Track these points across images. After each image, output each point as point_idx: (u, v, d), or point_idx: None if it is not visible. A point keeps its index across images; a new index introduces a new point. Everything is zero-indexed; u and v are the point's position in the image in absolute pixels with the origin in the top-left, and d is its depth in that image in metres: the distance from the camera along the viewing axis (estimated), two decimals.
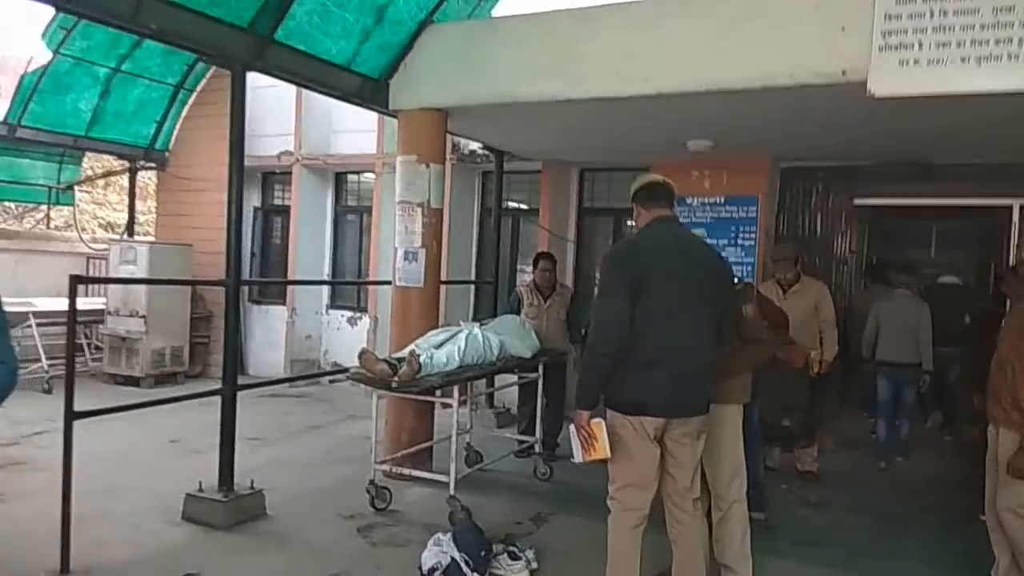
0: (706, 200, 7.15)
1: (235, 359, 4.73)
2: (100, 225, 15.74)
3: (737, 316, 3.58)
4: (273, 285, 10.47)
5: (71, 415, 3.78)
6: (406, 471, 4.92)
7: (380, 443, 5.01)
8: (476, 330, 5.15)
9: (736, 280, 3.65)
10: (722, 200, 7.08)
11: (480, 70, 5.23)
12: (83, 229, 15.31)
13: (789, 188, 7.25)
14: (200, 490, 4.63)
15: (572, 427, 3.29)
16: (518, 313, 6.26)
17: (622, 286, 3.13)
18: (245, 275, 10.08)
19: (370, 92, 5.54)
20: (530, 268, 8.79)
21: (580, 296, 6.82)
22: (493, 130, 6.50)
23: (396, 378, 4.49)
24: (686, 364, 3.17)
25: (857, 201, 7.11)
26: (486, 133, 6.71)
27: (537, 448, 5.84)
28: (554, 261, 6.47)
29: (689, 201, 7.22)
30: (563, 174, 8.27)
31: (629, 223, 8.26)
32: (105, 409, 4.19)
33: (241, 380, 9.06)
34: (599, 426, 3.20)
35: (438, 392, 4.66)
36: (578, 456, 3.27)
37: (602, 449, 3.20)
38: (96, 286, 10.17)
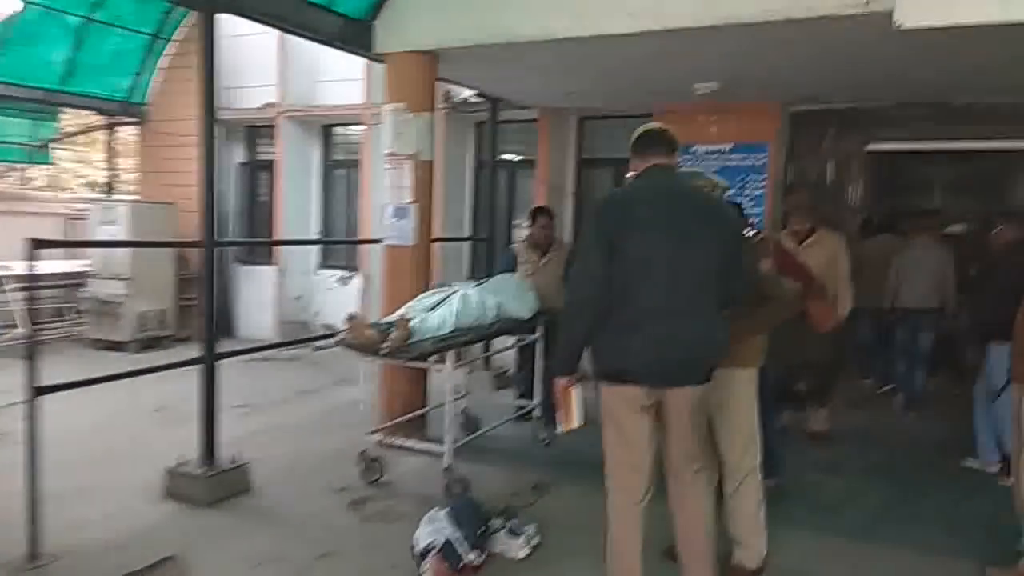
0: (713, 148, 6.78)
1: (212, 326, 4.42)
2: (83, 184, 15.28)
3: (752, 271, 3.27)
4: (261, 245, 10.12)
5: (35, 390, 3.47)
6: (399, 442, 4.64)
7: (371, 411, 4.73)
8: (471, 291, 4.83)
9: (751, 232, 3.30)
10: (729, 148, 6.71)
11: (475, 7, 4.83)
12: (65, 188, 14.92)
13: (799, 134, 6.87)
14: (181, 465, 4.36)
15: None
16: (514, 271, 5.95)
17: (597, 240, 2.85)
18: (229, 234, 9.74)
19: (353, 34, 5.12)
20: (526, 223, 8.49)
21: None
22: (488, 75, 6.09)
23: (386, 345, 4.19)
24: (674, 326, 2.85)
25: (871, 147, 6.75)
26: (480, 78, 6.30)
27: (537, 412, 5.58)
28: (552, 215, 6.12)
29: (695, 149, 6.84)
30: (561, 123, 7.86)
31: (628, 176, 7.93)
32: (71, 383, 3.88)
33: (229, 343, 8.78)
34: (569, 393, 3.00)
35: (432, 358, 4.36)
36: (560, 425, 3.09)
37: (575, 417, 3.02)
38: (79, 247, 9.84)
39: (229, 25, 9.32)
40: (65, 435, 5.35)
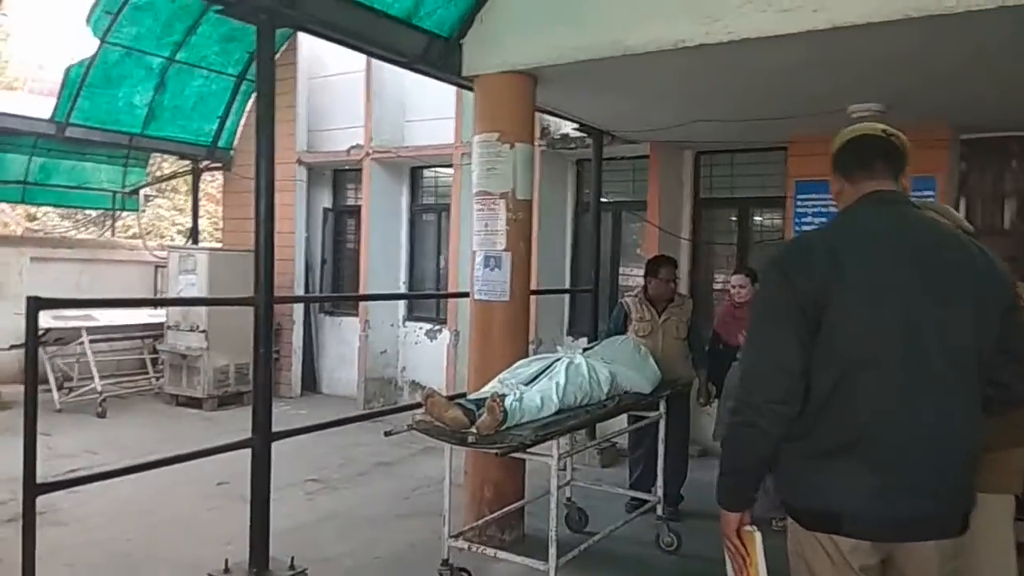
0: None
1: (268, 400, 3.64)
2: (179, 232, 15.29)
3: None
4: (325, 301, 9.53)
5: (32, 489, 2.74)
6: (491, 552, 3.71)
7: (454, 508, 3.83)
8: (579, 358, 3.90)
9: (1014, 295, 2.19)
10: None
11: (580, 15, 3.99)
12: (161, 236, 14.94)
13: (973, 167, 5.69)
14: (226, 570, 3.56)
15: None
16: (624, 331, 4.99)
17: (788, 313, 1.85)
18: (315, 284, 9.20)
19: (438, 55, 4.37)
20: (633, 272, 7.53)
21: (700, 307, 5.48)
22: (593, 101, 5.22)
23: (474, 430, 3.30)
24: (920, 445, 1.80)
25: None
26: (583, 106, 5.44)
27: (659, 509, 4.53)
28: (676, 266, 5.16)
29: None
30: (675, 158, 6.91)
31: (758, 218, 6.87)
32: (71, 480, 3.14)
33: (313, 400, 8.09)
34: (752, 539, 1.97)
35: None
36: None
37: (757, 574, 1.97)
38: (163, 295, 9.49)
39: (316, 65, 9.02)
40: (107, 515, 4.73)
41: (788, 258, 1.94)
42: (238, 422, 7.14)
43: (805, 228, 5.94)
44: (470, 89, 4.64)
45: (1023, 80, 4.27)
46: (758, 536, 1.96)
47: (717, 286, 6.98)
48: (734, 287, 5.08)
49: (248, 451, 3.56)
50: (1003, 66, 4.04)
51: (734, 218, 6.96)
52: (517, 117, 4.37)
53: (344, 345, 8.95)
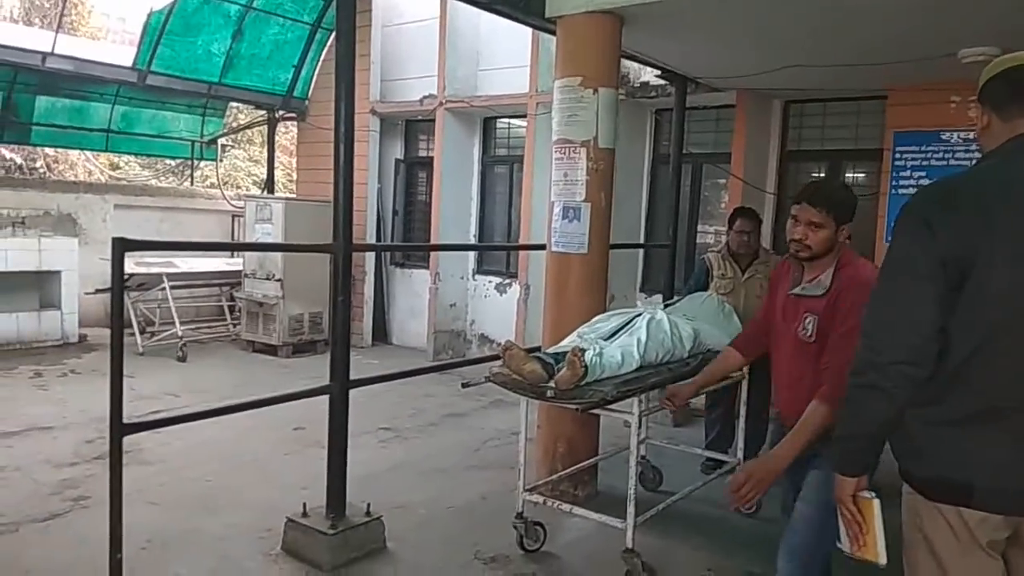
0: (971, 135, 5.26)
1: (346, 348, 3.61)
2: (255, 182, 15.57)
3: None
4: (404, 250, 9.53)
5: (119, 429, 2.78)
6: (566, 507, 3.64)
7: (527, 463, 3.78)
8: (660, 314, 3.76)
9: None
10: None
11: None
12: (237, 186, 15.24)
13: None
14: (304, 514, 3.60)
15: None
16: (705, 287, 4.81)
17: (926, 267, 1.66)
18: (387, 235, 9.21)
19: None
20: (713, 229, 7.27)
21: None
22: (679, 45, 4.96)
23: (553, 384, 3.21)
24: None
25: None
26: (669, 50, 5.18)
27: (738, 471, 4.38)
28: (758, 220, 4.90)
29: (946, 136, 5.36)
30: (762, 108, 6.57)
31: (850, 174, 6.50)
32: (156, 422, 3.18)
33: (383, 350, 8.19)
34: (869, 507, 1.85)
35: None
36: (844, 543, 1.92)
37: (873, 546, 1.86)
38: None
39: (390, 13, 8.89)
40: (189, 456, 4.86)
41: (929, 205, 1.72)
42: (312, 369, 7.26)
43: (903, 183, 5.59)
44: (552, 32, 4.45)
45: None
46: (876, 503, 1.84)
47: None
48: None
49: (323, 398, 3.57)
50: None
51: (822, 172, 6.61)
52: (601, 61, 4.17)
53: (414, 297, 8.98)
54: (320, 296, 8.46)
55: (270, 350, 8.29)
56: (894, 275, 1.74)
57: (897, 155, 5.60)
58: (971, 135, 5.26)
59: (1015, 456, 1.66)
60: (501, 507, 4.05)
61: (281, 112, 9.42)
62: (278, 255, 8.15)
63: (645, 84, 6.72)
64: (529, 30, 6.86)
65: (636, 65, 6.16)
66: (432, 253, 8.55)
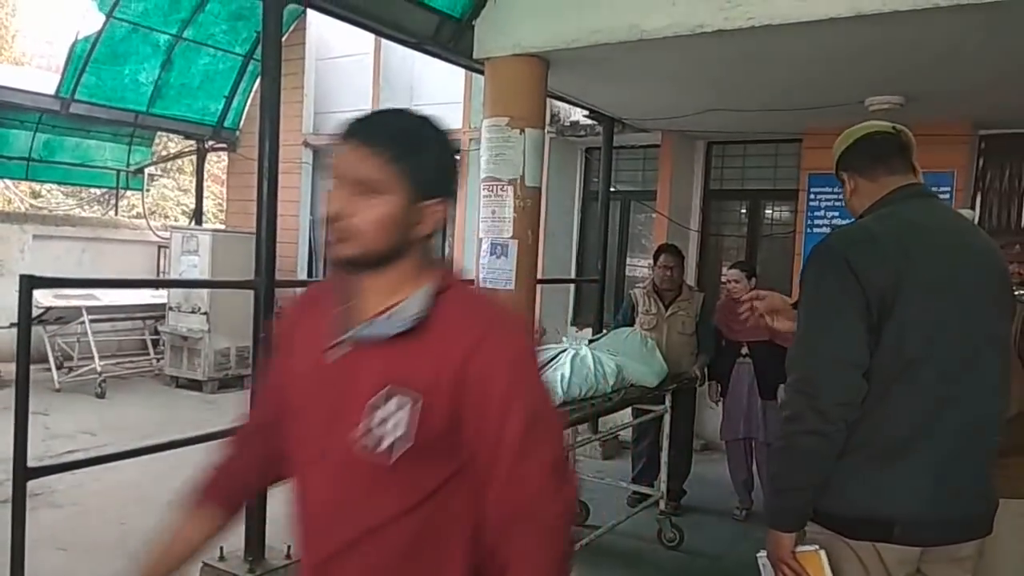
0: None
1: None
2: (183, 212, 15.23)
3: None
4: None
5: (23, 473, 2.67)
6: None
7: None
8: (584, 350, 3.82)
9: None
10: None
11: None
12: (165, 216, 14.88)
13: (991, 164, 5.57)
14: (221, 558, 3.50)
15: (762, 559, 1.87)
16: (631, 323, 4.92)
17: (853, 307, 1.70)
18: (320, 270, 9.11)
19: (449, 36, 4.27)
20: (642, 264, 7.43)
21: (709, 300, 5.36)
22: (605, 87, 5.12)
23: None
24: (968, 445, 1.73)
25: None
26: (595, 92, 5.34)
27: (661, 504, 4.47)
28: (681, 256, 5.05)
29: None
30: (686, 148, 6.80)
31: (769, 212, 6.75)
32: (64, 465, 3.07)
33: None
34: (814, 560, 1.74)
35: None
36: None
37: None
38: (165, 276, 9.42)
39: (324, 47, 8.91)
40: (105, 498, 4.66)
41: (852, 248, 1.76)
42: (239, 405, 7.05)
43: (817, 222, 5.84)
44: (480, 72, 4.54)
45: None
46: (823, 554, 1.74)
47: (725, 279, 6.89)
48: (728, 281, 4.94)
49: None
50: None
51: (744, 210, 6.86)
52: (528, 102, 4.27)
53: None
54: (248, 330, 8.25)
55: (195, 385, 8.05)
56: (822, 316, 1.76)
57: (812, 196, 5.86)
58: None
59: (930, 487, 1.71)
60: None
61: (211, 142, 9.27)
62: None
63: (575, 123, 6.87)
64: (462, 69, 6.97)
65: (566, 104, 6.31)
66: None
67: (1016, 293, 2.01)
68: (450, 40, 4.30)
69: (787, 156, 6.40)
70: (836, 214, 5.73)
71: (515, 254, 4.25)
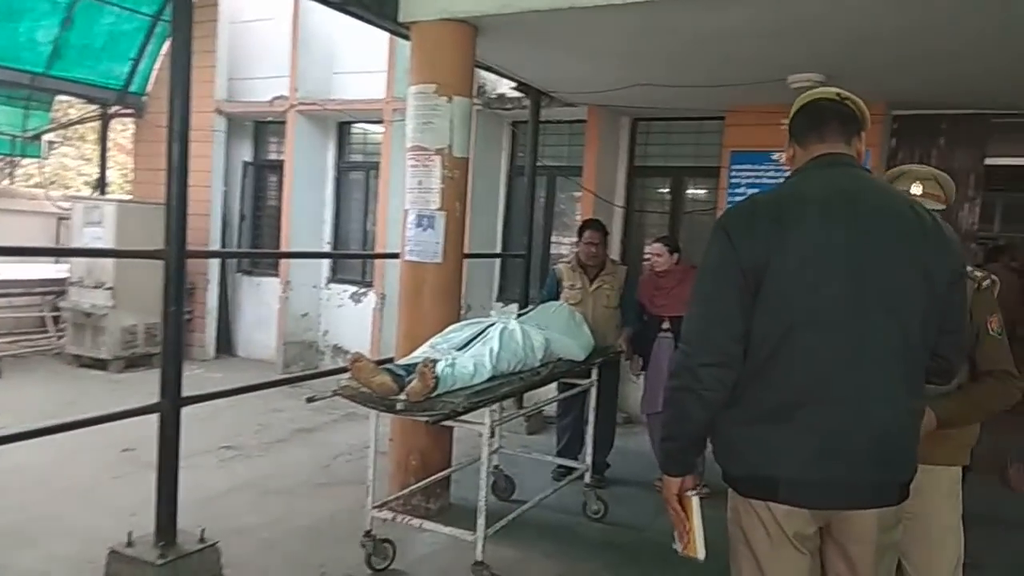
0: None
1: (178, 361, 3.37)
2: (86, 183, 14.39)
3: (976, 330, 2.19)
4: (249, 257, 9.13)
5: None
6: (416, 522, 3.56)
7: (378, 477, 3.66)
8: (513, 324, 3.77)
9: (967, 269, 2.10)
10: None
11: None
12: (66, 187, 14.03)
13: (904, 143, 5.77)
14: (129, 543, 3.31)
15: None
16: (556, 297, 4.89)
17: (727, 275, 1.81)
18: (234, 242, 8.76)
19: None
20: (567, 240, 7.42)
21: (632, 275, 5.39)
22: (534, 58, 5.03)
23: (403, 396, 3.13)
24: (854, 411, 1.75)
25: (989, 160, 5.64)
26: (524, 63, 5.25)
27: (586, 477, 4.48)
28: (605, 232, 5.05)
29: (776, 156, 5.75)
30: (612, 124, 6.80)
31: (691, 190, 6.83)
32: None
33: (228, 363, 7.74)
34: (689, 504, 1.94)
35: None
36: (676, 542, 2.01)
37: (693, 542, 1.95)
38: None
39: (236, 9, 8.48)
40: (7, 483, 4.36)
41: (732, 221, 1.89)
42: (147, 385, 6.64)
43: (738, 199, 5.91)
44: (406, 37, 4.38)
45: (956, 58, 4.31)
46: (695, 500, 1.93)
47: (647, 254, 6.96)
48: (651, 255, 4.98)
49: (155, 418, 3.30)
50: (939, 42, 4.05)
51: (666, 189, 6.92)
52: (456, 69, 4.15)
53: (263, 307, 8.58)
54: (157, 306, 7.72)
55: (99, 365, 7.64)
56: (704, 284, 1.88)
57: (733, 173, 5.95)
58: None
59: (815, 449, 1.77)
60: (350, 526, 3.90)
61: (116, 108, 8.73)
62: (108, 261, 7.53)
63: (502, 96, 6.77)
64: (386, 35, 6.75)
65: (493, 76, 6.19)
66: (283, 261, 8.20)
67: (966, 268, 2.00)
68: (375, 2, 4.13)
69: (710, 134, 6.47)
70: (756, 191, 5.77)
71: (442, 226, 4.14)
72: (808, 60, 4.60)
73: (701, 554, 1.94)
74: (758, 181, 5.80)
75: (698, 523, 1.93)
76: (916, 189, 2.35)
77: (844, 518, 1.82)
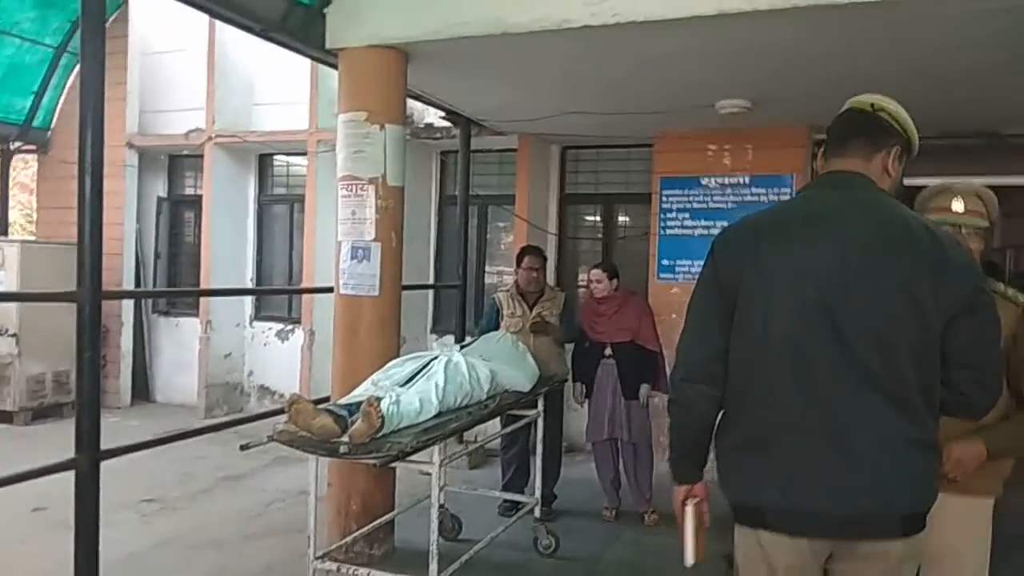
0: (727, 181, 5.77)
1: (95, 414, 3.09)
2: None
3: (1005, 355, 1.96)
4: (169, 296, 8.73)
5: None
6: (362, 570, 3.35)
7: (319, 524, 3.45)
8: (457, 356, 3.63)
9: (977, 291, 1.75)
10: (747, 180, 5.71)
11: None
12: None
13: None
14: None
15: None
16: (497, 327, 4.80)
17: (709, 295, 1.84)
18: (149, 281, 8.33)
19: (299, 24, 3.95)
20: (504, 269, 7.34)
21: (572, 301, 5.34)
22: (465, 86, 4.97)
23: (346, 438, 2.95)
24: (833, 443, 1.69)
25: (907, 181, 5.84)
26: (455, 91, 5.18)
27: (536, 511, 4.35)
28: (544, 258, 5.00)
29: (705, 182, 5.84)
30: (542, 152, 6.79)
31: (622, 217, 6.88)
32: None
33: (145, 409, 7.29)
34: (688, 515, 1.94)
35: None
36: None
37: (688, 549, 1.93)
38: None
39: (146, 41, 8.15)
40: None
41: (719, 238, 1.89)
42: (57, 437, 6.25)
43: (670, 224, 5.99)
44: (333, 66, 4.25)
45: (877, 84, 4.46)
46: (689, 510, 1.94)
47: (581, 280, 6.96)
48: (591, 281, 4.95)
49: (66, 475, 3.01)
50: (860, 69, 4.16)
51: (596, 216, 6.95)
52: (387, 96, 4.03)
53: (182, 348, 8.16)
54: (66, 352, 7.34)
55: (4, 417, 7.10)
56: (692, 303, 1.90)
57: (664, 199, 6.01)
58: (726, 180, 5.78)
59: (792, 478, 1.71)
60: None
61: (18, 143, 8.22)
62: (12, 305, 7.03)
63: (430, 125, 6.69)
64: (307, 64, 6.59)
65: (420, 106, 6.11)
66: (203, 299, 7.82)
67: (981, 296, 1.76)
68: (300, 29, 3.98)
69: (638, 161, 6.54)
70: (687, 215, 5.91)
71: (379, 258, 3.99)
72: (736, 86, 4.68)
73: (688, 561, 1.93)
74: (689, 206, 5.88)
75: (689, 529, 1.93)
76: (958, 205, 2.21)
77: (850, 549, 1.73)
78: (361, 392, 3.30)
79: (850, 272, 1.69)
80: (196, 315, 7.91)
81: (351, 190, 4.01)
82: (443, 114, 5.92)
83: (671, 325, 5.72)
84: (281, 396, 7.69)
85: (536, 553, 4.23)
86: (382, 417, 2.91)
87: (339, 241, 4.09)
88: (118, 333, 7.96)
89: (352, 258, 4.01)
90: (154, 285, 8.42)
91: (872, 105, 1.86)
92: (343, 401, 3.26)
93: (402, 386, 3.35)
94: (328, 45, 4.05)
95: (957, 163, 5.61)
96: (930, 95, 4.48)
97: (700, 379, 1.82)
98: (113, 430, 5.99)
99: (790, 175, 5.58)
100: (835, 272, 1.69)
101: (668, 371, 4.96)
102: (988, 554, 2.20)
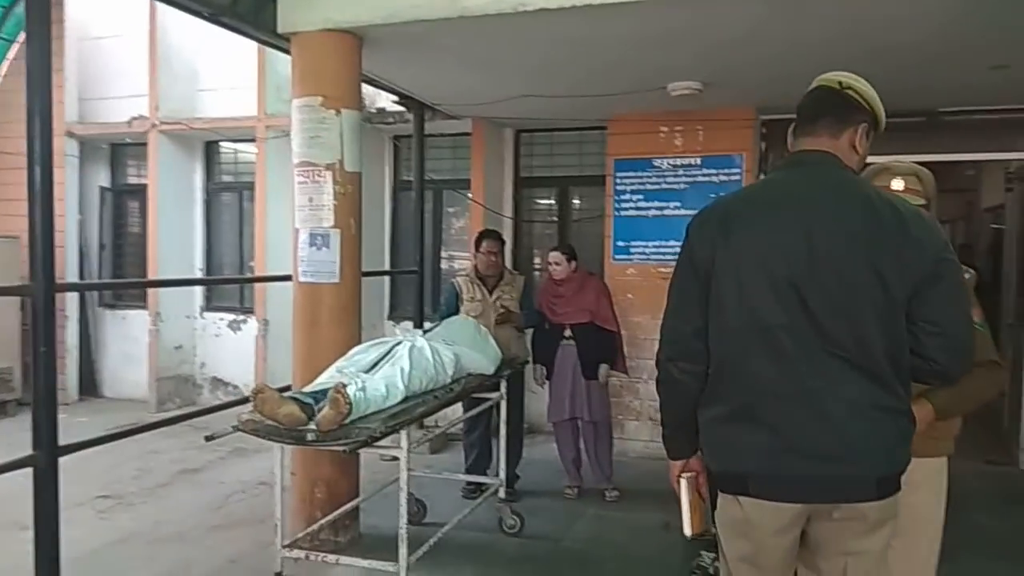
0: (678, 162, 5.86)
1: (52, 408, 3.02)
2: None
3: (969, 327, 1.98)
4: (122, 288, 8.51)
5: None
6: (330, 557, 3.35)
7: (287, 511, 3.44)
8: (421, 341, 3.64)
9: (941, 261, 1.80)
10: (698, 161, 5.82)
11: None
12: None
13: (773, 146, 6.08)
14: None
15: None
16: (457, 311, 4.81)
17: (686, 275, 1.93)
18: (92, 273, 8.10)
19: (249, 8, 3.88)
20: (458, 254, 7.34)
21: (530, 284, 5.40)
22: (420, 70, 4.94)
23: (314, 426, 2.94)
24: (806, 409, 1.76)
25: None
26: (409, 76, 5.14)
27: (500, 492, 4.40)
28: (503, 241, 5.03)
29: (657, 163, 5.92)
30: (496, 136, 6.79)
31: (576, 200, 6.93)
32: None
33: (93, 405, 7.13)
34: (684, 488, 2.05)
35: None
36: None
37: (685, 520, 2.05)
38: None
39: (84, 26, 7.87)
40: None
41: (694, 219, 1.96)
42: (1, 436, 6.08)
43: (624, 205, 6.06)
44: (285, 50, 4.18)
45: (825, 62, 4.57)
46: (683, 482, 2.03)
47: (537, 263, 7.01)
48: (550, 264, 5.00)
49: (24, 471, 2.94)
50: (808, 47, 4.24)
51: (551, 199, 6.99)
52: (342, 81, 3.99)
53: (130, 341, 7.97)
54: (6, 348, 7.21)
55: None
56: (671, 283, 1.97)
57: (618, 180, 6.08)
58: (678, 161, 5.88)
59: (773, 446, 1.78)
60: (255, 568, 3.66)
61: None
62: None
63: (382, 110, 6.64)
64: (254, 48, 6.46)
65: (372, 90, 6.05)
66: (151, 291, 7.64)
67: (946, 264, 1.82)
68: (250, 13, 3.91)
69: (592, 143, 6.59)
70: (641, 197, 5.98)
71: (338, 244, 3.96)
72: (687, 69, 4.75)
73: (686, 531, 2.04)
74: (643, 188, 5.96)
75: (685, 502, 2.02)
76: (897, 184, 2.32)
77: (820, 513, 1.81)
78: (326, 379, 3.29)
79: (816, 249, 1.76)
80: (143, 307, 7.72)
81: (308, 176, 3.97)
82: (396, 99, 5.88)
83: (627, 305, 5.83)
84: (235, 388, 7.58)
85: (502, 533, 4.28)
86: (350, 404, 2.91)
87: (296, 228, 4.05)
88: (63, 328, 7.72)
89: (311, 245, 3.98)
90: (99, 277, 8.18)
91: (840, 83, 1.91)
92: (308, 389, 3.25)
93: (367, 372, 3.35)
94: (280, 29, 3.98)
95: (897, 142, 5.82)
96: (875, 75, 4.61)
97: (682, 357, 1.90)
98: (62, 426, 5.83)
99: (740, 155, 5.70)
100: (802, 250, 1.76)
101: (625, 350, 5.14)
102: (942, 511, 2.31)
